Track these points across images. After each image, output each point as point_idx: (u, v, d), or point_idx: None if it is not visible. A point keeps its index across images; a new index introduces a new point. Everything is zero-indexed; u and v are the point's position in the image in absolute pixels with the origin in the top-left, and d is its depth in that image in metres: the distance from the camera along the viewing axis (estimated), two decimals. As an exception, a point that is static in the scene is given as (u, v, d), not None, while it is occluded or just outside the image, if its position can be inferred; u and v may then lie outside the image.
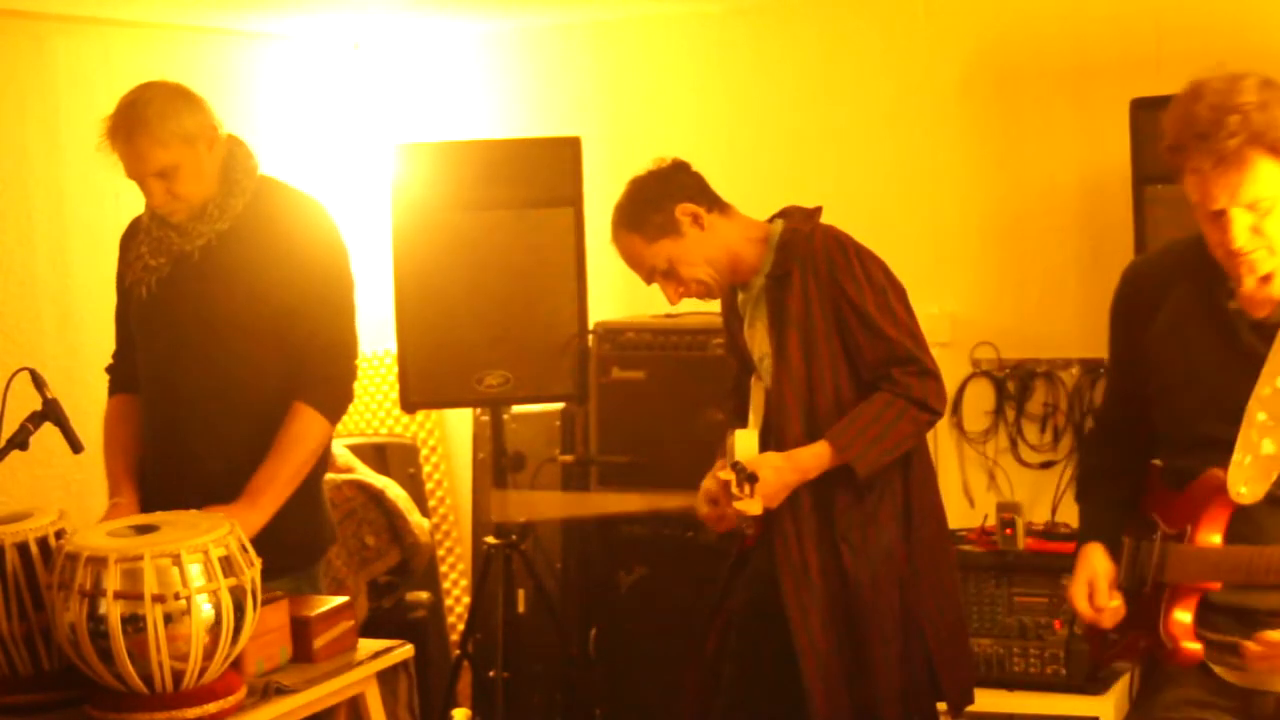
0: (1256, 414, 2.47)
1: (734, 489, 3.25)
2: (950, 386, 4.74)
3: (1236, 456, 2.48)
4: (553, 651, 4.60)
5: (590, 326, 4.48)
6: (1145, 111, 3.97)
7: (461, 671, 4.57)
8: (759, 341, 3.47)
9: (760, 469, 3.28)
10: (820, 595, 3.35)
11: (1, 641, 2.83)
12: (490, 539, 4.41)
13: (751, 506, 3.27)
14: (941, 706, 3.45)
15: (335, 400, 3.35)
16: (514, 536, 4.39)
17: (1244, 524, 2.51)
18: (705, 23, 5.04)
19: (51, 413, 3.03)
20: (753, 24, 4.97)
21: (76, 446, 3.07)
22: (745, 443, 3.39)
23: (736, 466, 3.27)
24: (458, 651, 4.59)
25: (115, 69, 4.63)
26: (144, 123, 3.16)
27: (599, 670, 4.61)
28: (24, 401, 3.02)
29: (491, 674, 4.39)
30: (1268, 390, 2.46)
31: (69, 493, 4.29)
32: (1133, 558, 2.68)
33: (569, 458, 4.69)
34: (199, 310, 3.29)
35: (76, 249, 4.48)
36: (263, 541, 3.16)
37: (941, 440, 4.76)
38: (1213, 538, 2.53)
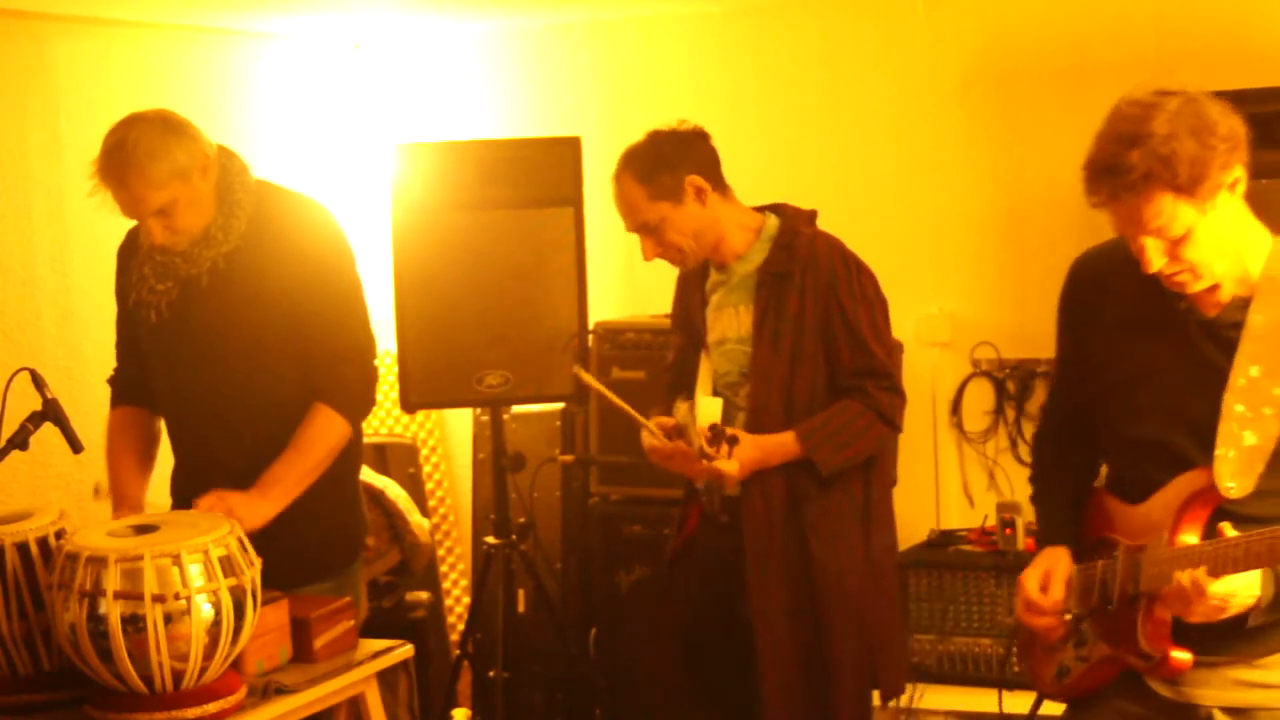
0: (1234, 406, 2.42)
1: (707, 448, 3.35)
2: (950, 386, 4.76)
3: (1220, 451, 2.42)
4: (553, 651, 4.60)
5: (590, 326, 4.48)
6: (1145, 111, 3.97)
7: (461, 671, 4.57)
8: (724, 325, 3.56)
9: (738, 435, 3.41)
10: (781, 580, 3.47)
11: (1, 641, 2.84)
12: (490, 539, 4.41)
13: (729, 466, 3.39)
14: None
15: (355, 403, 3.37)
16: (514, 536, 4.39)
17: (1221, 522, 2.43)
18: (705, 23, 5.04)
19: (51, 413, 3.03)
20: (753, 24, 4.97)
21: (76, 446, 3.07)
22: (711, 408, 3.48)
23: (714, 428, 3.37)
24: (458, 651, 4.59)
25: (115, 69, 4.63)
26: (136, 166, 3.10)
27: (599, 670, 4.61)
28: (24, 401, 3.02)
29: (491, 674, 4.39)
30: (1242, 381, 2.42)
31: (69, 493, 4.29)
32: (1088, 579, 2.61)
33: (569, 458, 4.69)
34: (215, 329, 3.28)
35: (76, 249, 4.48)
36: (303, 544, 3.21)
37: (941, 440, 4.76)
38: (1190, 539, 2.45)
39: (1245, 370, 2.42)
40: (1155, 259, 2.39)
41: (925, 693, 4.36)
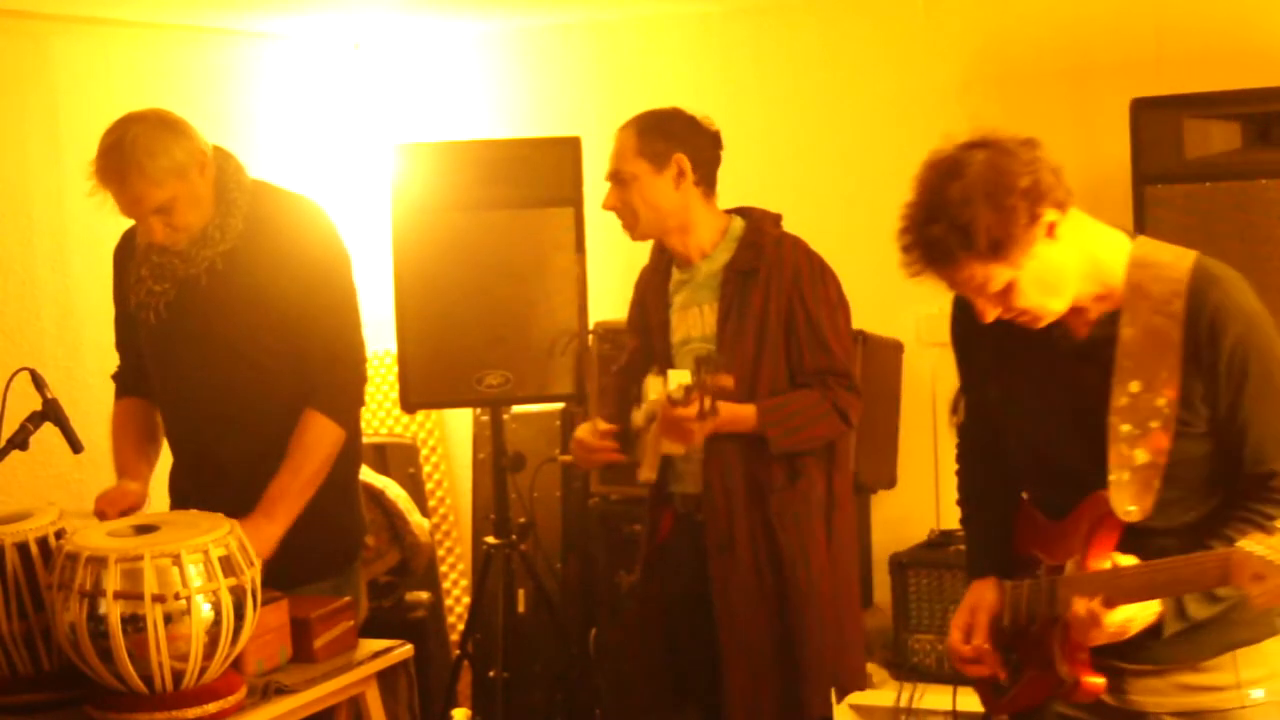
0: (1120, 427, 2.37)
1: (697, 377, 3.30)
2: (950, 386, 4.74)
3: (1114, 476, 2.37)
4: (553, 651, 4.60)
5: (590, 326, 4.48)
6: (1145, 111, 3.97)
7: (461, 671, 4.58)
8: (689, 324, 3.61)
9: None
10: (745, 569, 3.52)
11: (1, 641, 2.84)
12: (490, 539, 4.41)
13: (722, 379, 3.34)
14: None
15: (345, 405, 3.37)
16: (514, 536, 4.39)
17: (1133, 542, 2.40)
18: (705, 23, 5.04)
19: (51, 413, 3.03)
20: (753, 24, 4.97)
21: (76, 446, 3.07)
22: (682, 376, 3.48)
23: (699, 361, 3.35)
24: (458, 651, 4.59)
25: (115, 69, 4.63)
26: (135, 164, 3.11)
27: (599, 670, 4.60)
28: (24, 401, 3.02)
29: (491, 674, 4.39)
30: (1124, 400, 2.36)
31: (69, 493, 4.29)
32: (1016, 598, 2.55)
33: (569, 458, 4.68)
34: (213, 329, 3.29)
35: (76, 249, 4.48)
36: (303, 544, 3.20)
37: (942, 440, 4.75)
38: (1104, 564, 2.39)
39: (1126, 388, 2.37)
40: (988, 311, 2.37)
41: (925, 693, 4.36)
